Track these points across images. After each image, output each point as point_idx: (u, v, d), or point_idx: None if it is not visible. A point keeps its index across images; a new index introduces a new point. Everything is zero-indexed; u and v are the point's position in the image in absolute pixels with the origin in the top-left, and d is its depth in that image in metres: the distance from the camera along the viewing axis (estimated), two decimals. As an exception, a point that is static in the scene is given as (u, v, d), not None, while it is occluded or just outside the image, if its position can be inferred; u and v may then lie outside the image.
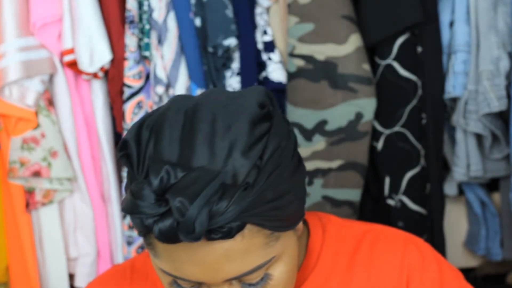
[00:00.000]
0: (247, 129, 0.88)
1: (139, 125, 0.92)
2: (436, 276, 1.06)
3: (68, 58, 1.75)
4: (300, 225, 1.00)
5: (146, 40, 1.75)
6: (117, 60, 1.76)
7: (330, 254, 1.07)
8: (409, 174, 1.78)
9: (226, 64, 1.78)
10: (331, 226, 1.10)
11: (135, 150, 0.90)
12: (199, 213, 0.83)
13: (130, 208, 0.86)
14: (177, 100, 0.94)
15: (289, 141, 0.93)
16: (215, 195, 0.85)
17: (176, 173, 0.86)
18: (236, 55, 1.78)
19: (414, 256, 1.07)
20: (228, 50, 1.76)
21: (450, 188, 1.92)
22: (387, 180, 1.79)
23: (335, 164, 1.76)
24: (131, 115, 1.76)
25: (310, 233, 1.09)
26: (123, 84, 1.76)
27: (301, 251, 1.07)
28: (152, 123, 0.91)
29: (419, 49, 1.78)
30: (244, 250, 0.89)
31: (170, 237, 0.85)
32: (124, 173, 1.78)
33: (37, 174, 1.76)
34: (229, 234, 0.86)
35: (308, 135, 1.75)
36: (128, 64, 1.75)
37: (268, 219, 0.89)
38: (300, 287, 1.05)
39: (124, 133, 1.77)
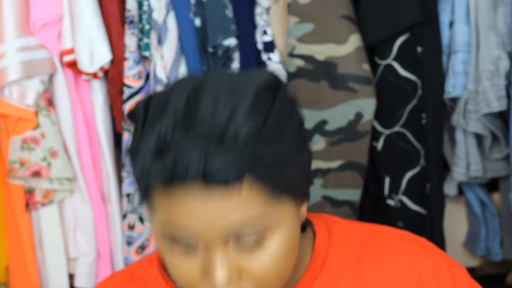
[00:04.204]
0: (252, 96, 0.90)
1: (146, 99, 0.94)
2: (448, 277, 1.06)
3: (68, 58, 1.75)
4: (304, 211, 1.00)
5: (146, 40, 1.75)
6: (117, 60, 1.76)
7: (338, 254, 1.06)
8: (409, 174, 1.78)
9: (226, 64, 1.78)
10: (337, 228, 1.09)
11: (143, 112, 0.92)
12: (195, 151, 0.86)
13: (133, 147, 0.90)
14: (181, 81, 0.96)
15: (292, 118, 0.94)
16: (213, 143, 0.86)
17: (182, 122, 0.88)
18: (236, 55, 1.78)
19: (424, 259, 1.06)
20: (228, 50, 1.77)
21: (450, 188, 1.92)
22: (387, 180, 1.79)
23: (335, 164, 1.76)
24: (131, 115, 1.76)
25: (316, 234, 1.08)
26: (123, 84, 1.76)
27: (307, 251, 1.06)
28: (158, 99, 0.93)
29: (419, 49, 1.78)
30: (242, 203, 0.89)
31: (167, 174, 0.87)
32: (124, 173, 1.78)
33: (37, 174, 1.76)
34: (226, 181, 0.87)
35: (308, 135, 1.75)
36: (128, 64, 1.75)
37: (267, 174, 0.90)
38: (309, 287, 1.04)
39: (124, 133, 1.77)
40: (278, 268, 0.94)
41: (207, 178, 0.87)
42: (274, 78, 0.96)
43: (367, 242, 1.08)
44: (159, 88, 1.75)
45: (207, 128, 0.88)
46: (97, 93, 1.80)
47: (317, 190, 1.76)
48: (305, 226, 1.07)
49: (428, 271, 1.06)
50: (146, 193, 0.92)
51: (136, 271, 1.10)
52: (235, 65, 1.78)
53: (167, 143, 0.88)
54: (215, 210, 0.88)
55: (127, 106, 1.76)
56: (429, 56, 1.77)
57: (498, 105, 1.70)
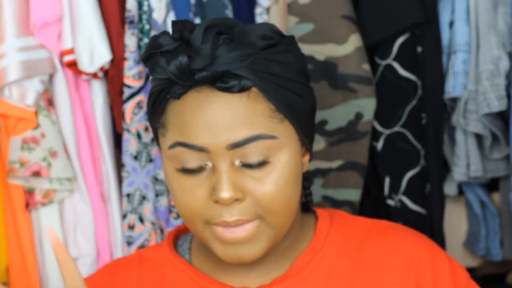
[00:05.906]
0: (263, 30, 0.99)
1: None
2: (447, 270, 1.08)
3: (68, 58, 1.75)
4: (306, 161, 1.05)
5: (146, 40, 1.75)
6: (117, 60, 1.76)
7: (340, 235, 1.09)
8: (409, 174, 1.78)
9: (226, 64, 1.78)
10: (339, 215, 1.13)
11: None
12: (207, 41, 0.94)
13: (149, 46, 0.96)
14: None
15: (297, 54, 1.02)
16: (224, 41, 0.95)
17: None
18: (236, 55, 1.78)
19: (424, 248, 1.10)
20: (228, 50, 1.76)
21: (450, 188, 1.92)
22: (387, 180, 1.79)
23: (335, 164, 1.76)
24: (131, 115, 1.76)
25: (318, 218, 1.11)
26: (123, 84, 1.76)
27: (310, 231, 1.10)
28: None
29: (419, 49, 1.78)
30: (248, 112, 0.95)
31: (183, 70, 0.93)
32: (124, 173, 1.78)
33: (37, 174, 1.76)
34: (233, 85, 0.94)
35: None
36: (128, 64, 1.75)
37: (272, 90, 0.96)
38: (309, 262, 1.07)
39: (124, 133, 1.77)
40: (280, 195, 0.98)
41: (216, 84, 0.94)
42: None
43: (369, 228, 1.12)
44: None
45: (222, 33, 0.96)
46: (97, 93, 1.80)
47: (317, 190, 1.77)
48: (308, 205, 1.11)
49: (427, 260, 1.08)
50: (162, 109, 0.98)
51: (146, 254, 1.12)
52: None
53: (182, 37, 0.96)
54: (223, 117, 0.94)
55: (127, 106, 1.76)
56: (429, 56, 1.77)
57: (498, 105, 1.70)
